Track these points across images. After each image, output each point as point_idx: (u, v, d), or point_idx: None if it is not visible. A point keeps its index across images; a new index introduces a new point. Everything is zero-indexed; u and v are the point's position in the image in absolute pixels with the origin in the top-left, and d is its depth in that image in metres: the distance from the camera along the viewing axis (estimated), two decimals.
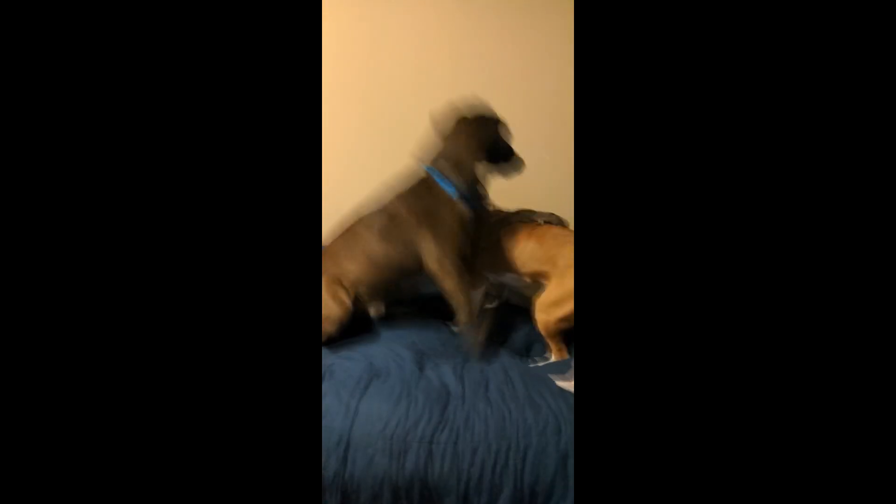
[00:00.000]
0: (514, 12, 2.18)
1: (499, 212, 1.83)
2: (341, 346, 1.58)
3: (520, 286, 1.80)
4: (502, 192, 1.89)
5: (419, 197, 1.64)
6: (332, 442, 1.21)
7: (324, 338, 1.57)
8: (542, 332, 1.62)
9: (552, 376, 1.42)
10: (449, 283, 1.63)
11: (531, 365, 1.57)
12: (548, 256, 1.65)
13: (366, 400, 1.29)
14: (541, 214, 1.78)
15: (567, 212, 1.84)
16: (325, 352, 1.54)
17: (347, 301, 1.62)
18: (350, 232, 1.69)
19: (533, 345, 1.69)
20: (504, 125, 1.70)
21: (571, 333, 1.62)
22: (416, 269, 1.67)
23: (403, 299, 1.91)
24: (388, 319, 1.77)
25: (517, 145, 1.74)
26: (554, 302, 1.60)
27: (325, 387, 1.32)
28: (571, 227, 1.77)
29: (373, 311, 1.78)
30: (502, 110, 1.72)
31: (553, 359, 1.60)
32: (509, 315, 1.84)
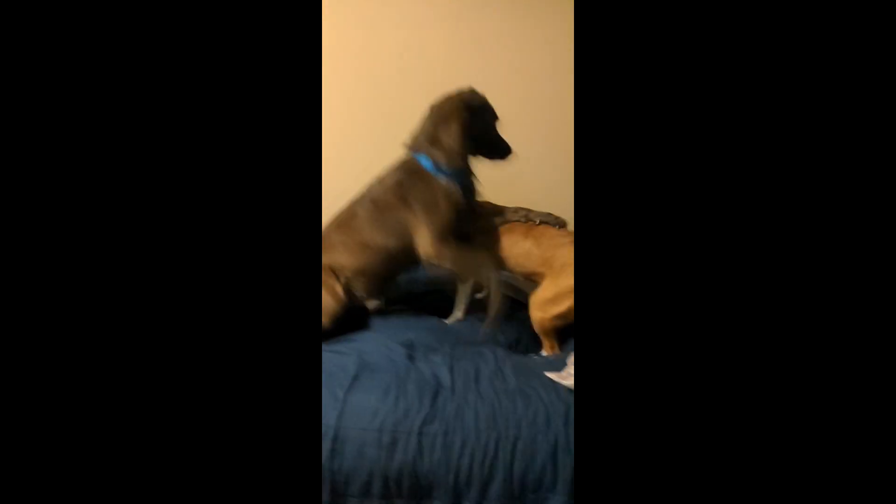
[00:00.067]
0: (515, 8, 2.19)
1: (492, 205, 1.83)
2: (333, 340, 1.57)
3: (513, 283, 1.80)
4: (501, 191, 1.89)
5: (409, 183, 1.64)
6: (322, 434, 1.20)
7: None
8: (537, 328, 1.62)
9: (546, 372, 1.41)
10: (448, 262, 1.62)
11: (524, 357, 1.57)
12: (544, 258, 1.65)
13: (356, 392, 1.29)
14: (537, 214, 1.78)
15: (567, 210, 1.85)
16: None
17: (341, 293, 1.61)
18: (343, 222, 1.68)
19: (523, 338, 1.69)
20: (493, 112, 1.69)
21: (564, 330, 1.62)
22: (410, 259, 1.66)
23: (398, 297, 1.90)
24: (381, 315, 1.77)
25: (516, 142, 1.74)
26: (550, 299, 1.60)
27: None
28: (567, 226, 1.77)
29: (370, 304, 1.76)
30: (502, 108, 1.71)
31: (546, 355, 1.60)
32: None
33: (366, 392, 1.29)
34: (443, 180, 1.63)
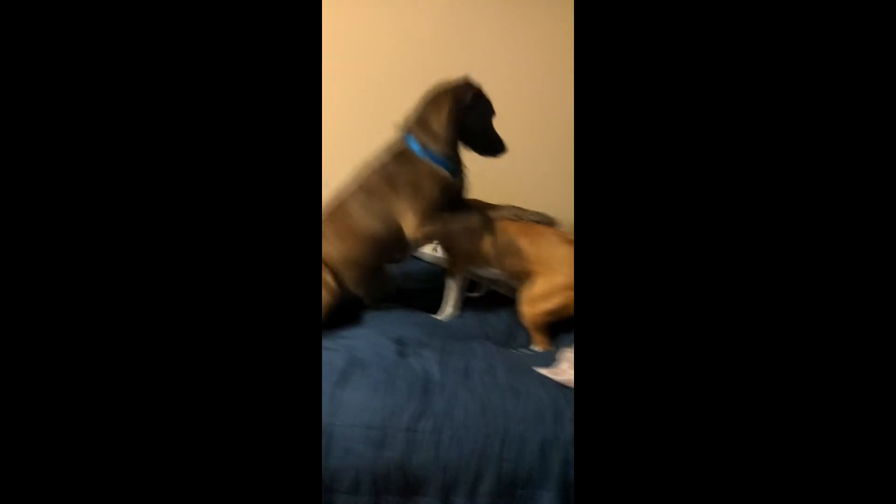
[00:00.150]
0: (514, 5, 2.18)
1: (483, 203, 1.82)
2: (323, 336, 1.56)
3: (502, 281, 1.80)
4: (501, 190, 1.88)
5: (396, 166, 1.63)
6: None
7: None
8: (528, 324, 1.62)
9: (537, 368, 1.41)
10: (436, 237, 1.63)
11: (515, 351, 1.57)
12: (536, 256, 1.64)
13: (346, 389, 1.28)
14: (528, 213, 1.77)
15: (566, 208, 1.84)
16: None
17: (334, 284, 1.60)
18: (331, 211, 1.66)
19: (515, 334, 1.68)
20: (489, 106, 1.67)
21: (555, 326, 1.62)
22: (399, 246, 1.65)
23: (388, 291, 1.89)
24: (373, 310, 1.75)
25: (515, 139, 1.73)
26: (541, 296, 1.61)
27: None
28: (556, 225, 1.76)
29: (361, 294, 1.74)
30: (499, 106, 1.69)
31: (537, 349, 1.59)
32: (492, 304, 1.83)
33: (355, 388, 1.28)
34: (429, 162, 1.62)
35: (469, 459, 1.17)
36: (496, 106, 1.68)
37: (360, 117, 2.22)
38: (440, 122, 1.61)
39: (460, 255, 1.75)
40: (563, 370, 1.35)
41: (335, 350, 1.45)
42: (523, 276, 1.67)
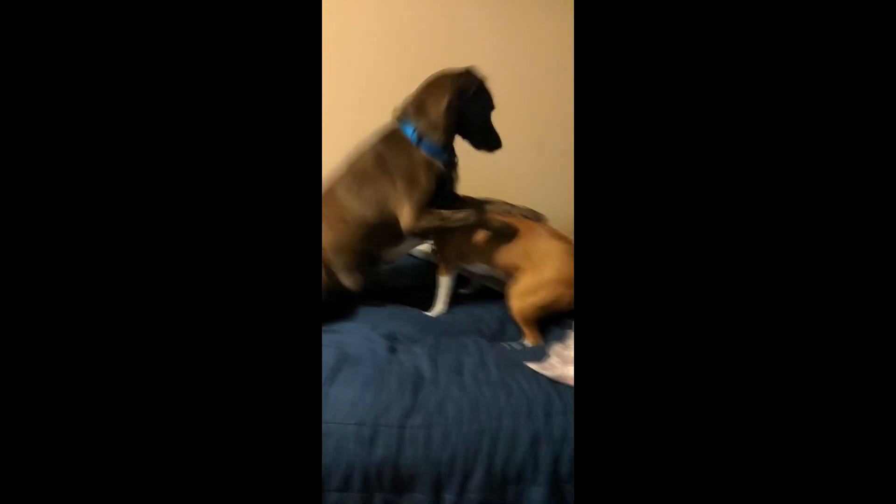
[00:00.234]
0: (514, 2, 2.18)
1: (472, 199, 1.82)
2: None
3: (491, 276, 1.80)
4: (494, 185, 1.88)
5: (390, 153, 1.61)
6: None
7: None
8: (517, 318, 1.62)
9: (528, 363, 1.41)
10: (432, 229, 1.60)
11: (507, 346, 1.57)
12: (525, 251, 1.65)
13: (336, 386, 1.27)
14: (518, 208, 1.78)
15: (559, 205, 1.85)
16: None
17: (325, 276, 1.58)
18: (322, 196, 1.64)
19: (506, 329, 1.69)
20: (489, 98, 1.66)
21: (546, 321, 1.63)
22: (389, 233, 1.63)
23: (380, 292, 1.88)
24: (363, 306, 1.75)
25: (515, 138, 1.72)
26: (529, 290, 1.61)
27: None
28: (546, 221, 1.77)
29: (349, 282, 1.72)
30: (498, 102, 1.69)
31: (528, 344, 1.60)
32: (483, 299, 1.83)
33: (346, 385, 1.28)
34: (424, 152, 1.60)
35: (460, 455, 1.17)
36: (502, 106, 1.67)
37: (359, 113, 2.20)
38: (439, 110, 1.59)
39: (453, 252, 1.75)
40: (553, 365, 1.35)
41: (325, 346, 1.44)
42: (512, 271, 1.68)
